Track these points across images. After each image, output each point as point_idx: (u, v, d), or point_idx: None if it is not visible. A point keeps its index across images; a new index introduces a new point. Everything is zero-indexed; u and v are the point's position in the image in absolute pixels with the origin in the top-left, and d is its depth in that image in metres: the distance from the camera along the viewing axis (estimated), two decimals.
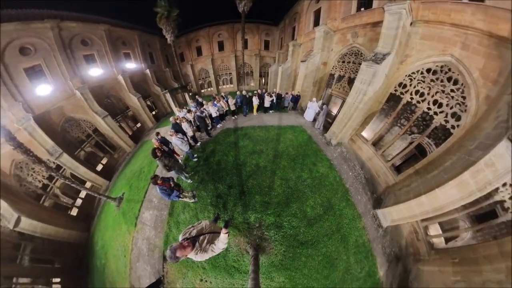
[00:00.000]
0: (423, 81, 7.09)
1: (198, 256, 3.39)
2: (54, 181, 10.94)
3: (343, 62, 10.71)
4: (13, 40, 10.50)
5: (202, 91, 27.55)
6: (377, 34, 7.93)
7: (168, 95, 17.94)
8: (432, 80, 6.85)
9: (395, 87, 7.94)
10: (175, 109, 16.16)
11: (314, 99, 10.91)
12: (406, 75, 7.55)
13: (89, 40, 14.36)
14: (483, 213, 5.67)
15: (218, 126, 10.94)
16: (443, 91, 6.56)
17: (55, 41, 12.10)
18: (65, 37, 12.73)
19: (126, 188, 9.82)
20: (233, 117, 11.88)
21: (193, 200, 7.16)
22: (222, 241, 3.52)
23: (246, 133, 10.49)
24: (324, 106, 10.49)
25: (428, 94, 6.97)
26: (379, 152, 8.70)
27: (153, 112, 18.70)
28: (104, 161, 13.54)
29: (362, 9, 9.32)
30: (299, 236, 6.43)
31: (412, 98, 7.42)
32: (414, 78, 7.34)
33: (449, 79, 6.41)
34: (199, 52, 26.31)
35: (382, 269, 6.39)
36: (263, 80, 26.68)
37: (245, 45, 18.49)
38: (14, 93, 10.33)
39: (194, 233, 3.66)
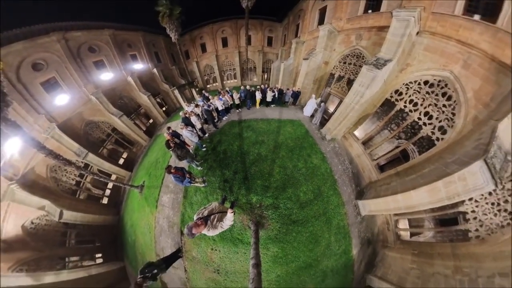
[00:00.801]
0: (419, 92, 6.54)
1: (210, 232, 3.67)
2: (84, 177, 11.15)
3: (344, 63, 9.66)
4: (25, 58, 9.86)
5: (208, 86, 25.55)
6: (381, 39, 7.05)
7: (176, 92, 17.00)
8: (427, 92, 6.31)
9: (391, 93, 7.36)
10: (184, 104, 15.53)
11: (313, 96, 10.25)
12: (403, 84, 6.93)
13: (96, 46, 13.34)
14: (446, 219, 5.80)
15: (224, 118, 10.59)
16: (435, 105, 6.10)
17: (64, 53, 11.35)
18: (72, 47, 11.88)
19: (146, 177, 9.95)
20: (238, 110, 11.37)
21: (203, 185, 7.33)
22: (229, 219, 3.76)
23: (249, 125, 10.16)
24: (322, 104, 9.91)
25: (421, 105, 6.51)
26: (367, 151, 8.53)
27: (163, 108, 17.82)
28: (124, 155, 13.56)
29: (370, 11, 7.94)
30: (292, 216, 6.72)
31: (405, 106, 6.95)
32: (411, 88, 6.75)
33: (443, 94, 5.91)
34: (203, 49, 23.97)
35: (356, 249, 6.86)
36: (266, 76, 24.42)
37: (248, 41, 16.32)
38: (36, 107, 10.02)
39: (206, 213, 3.91)
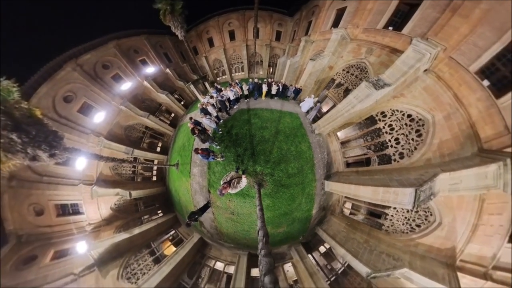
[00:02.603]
0: (399, 120, 5.69)
1: (232, 191, 4.42)
2: (136, 167, 11.12)
3: (347, 72, 7.58)
4: (55, 96, 8.35)
5: (218, 79, 19.95)
6: (390, 61, 5.35)
7: (191, 87, 13.92)
8: (406, 124, 5.52)
9: (377, 112, 6.37)
10: (200, 97, 13.22)
11: (312, 95, 8.65)
12: (391, 108, 5.90)
13: (107, 62, 10.69)
14: (374, 213, 6.50)
15: (235, 107, 9.51)
16: (406, 136, 5.49)
17: (84, 78, 9.38)
18: (88, 70, 9.69)
19: (178, 157, 9.92)
20: (246, 100, 9.95)
21: (222, 159, 7.60)
22: (244, 182, 4.52)
23: (256, 113, 9.29)
24: (318, 104, 8.57)
25: (396, 131, 5.82)
26: (342, 149, 8.28)
27: (182, 102, 15.23)
28: (159, 144, 12.98)
29: (391, 28, 5.45)
30: (281, 181, 7.34)
31: (384, 127, 6.22)
32: (395, 114, 5.82)
33: (417, 131, 5.22)
34: (211, 43, 17.47)
35: (315, 210, 7.91)
36: (271, 70, 18.64)
37: (256, 34, 10.92)
38: (82, 130, 9.14)
39: (228, 179, 4.53)
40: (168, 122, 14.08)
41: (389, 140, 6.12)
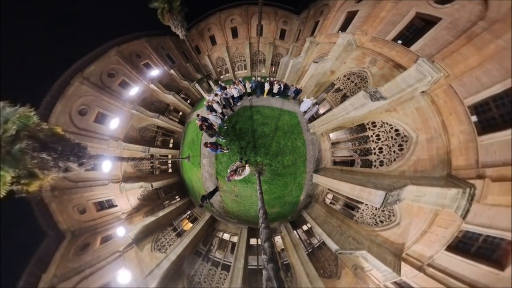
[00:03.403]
0: (387, 133, 5.52)
1: (238, 178, 4.91)
2: (154, 162, 11.01)
3: (348, 79, 6.77)
4: (70, 112, 8.13)
5: (221, 77, 17.21)
6: (391, 76, 4.79)
7: (196, 85, 12.50)
8: (391, 137, 5.38)
9: (368, 122, 6.08)
10: (205, 95, 12.10)
11: (312, 97, 7.94)
12: (381, 120, 5.62)
13: (112, 71, 9.83)
14: (349, 205, 6.95)
15: (238, 104, 8.94)
16: (389, 147, 5.44)
17: (93, 89, 8.86)
18: (95, 81, 9.06)
19: (189, 151, 9.85)
20: (249, 98, 9.22)
21: (227, 151, 7.73)
22: (247, 170, 4.99)
23: (258, 110, 8.85)
24: (316, 106, 8.01)
25: (382, 142, 5.71)
26: (332, 149, 8.20)
27: (188, 101, 13.88)
28: (171, 141, 12.51)
29: (400, 41, 4.48)
30: (278, 171, 7.60)
31: (371, 136, 6.05)
32: (384, 126, 5.60)
33: (399, 145, 5.15)
34: (213, 41, 14.55)
35: (303, 196, 8.33)
36: (273, 69, 16.04)
37: (260, 32, 8.65)
38: (101, 137, 9.02)
39: (234, 168, 4.98)
40: (177, 120, 13.59)
41: (374, 148, 6.07)
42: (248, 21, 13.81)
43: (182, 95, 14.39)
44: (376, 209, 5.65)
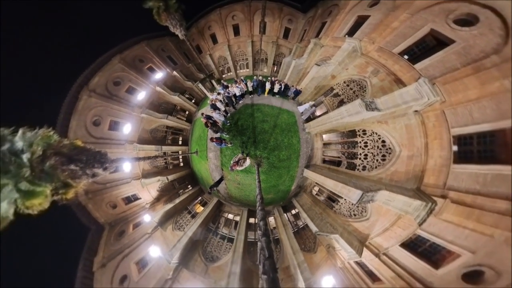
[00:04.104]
0: (374, 142, 5.44)
1: (240, 168, 5.27)
2: (167, 159, 10.82)
3: (347, 86, 6.05)
4: (85, 123, 8.02)
5: (224, 76, 14.63)
6: (389, 89, 4.37)
7: (199, 85, 11.31)
8: (378, 147, 5.33)
9: (360, 129, 5.89)
10: (208, 94, 11.06)
11: (311, 102, 7.38)
12: (372, 130, 5.44)
13: (117, 79, 9.11)
14: (331, 198, 7.31)
15: (240, 102, 8.43)
16: (374, 156, 5.46)
17: (101, 100, 8.46)
18: (102, 92, 8.54)
19: (197, 146, 9.76)
20: (250, 96, 8.58)
21: (230, 145, 7.80)
22: (247, 162, 5.37)
23: (259, 108, 8.48)
24: (313, 107, 7.56)
25: (368, 149, 5.69)
26: (323, 149, 8.11)
27: (193, 101, 12.69)
28: (180, 138, 11.97)
29: (406, 56, 3.74)
30: (274, 164, 7.90)
31: (360, 142, 5.99)
32: (373, 135, 5.47)
33: (383, 155, 5.14)
34: (214, 40, 12.18)
35: (294, 186, 8.68)
36: (275, 69, 13.48)
37: (263, 29, 7.29)
38: (118, 142, 9.01)
39: (236, 159, 5.33)
40: (185, 119, 13.00)
41: (360, 154, 6.09)
42: (251, 18, 11.42)
43: (187, 95, 13.45)
44: (352, 204, 6.12)
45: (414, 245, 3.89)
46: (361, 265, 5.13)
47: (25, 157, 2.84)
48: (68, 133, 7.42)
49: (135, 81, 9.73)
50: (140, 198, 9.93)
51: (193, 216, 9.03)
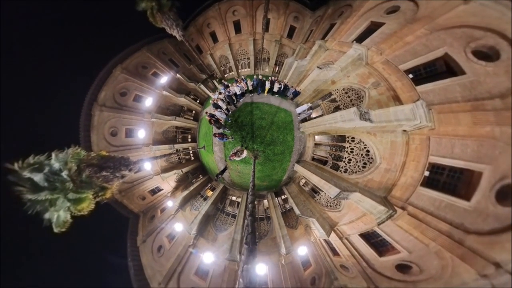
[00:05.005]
0: (360, 150, 5.33)
1: (237, 158, 5.91)
2: (179, 154, 10.66)
3: (346, 93, 5.30)
4: (104, 137, 7.94)
5: (225, 75, 11.84)
6: (386, 104, 3.98)
7: (202, 86, 10.10)
8: (362, 154, 5.25)
9: (349, 136, 5.66)
10: (210, 94, 9.97)
11: (309, 104, 6.71)
12: (360, 139, 5.22)
13: (123, 89, 8.37)
14: (314, 190, 7.68)
15: (241, 100, 7.83)
16: (356, 162, 5.44)
17: (113, 112, 8.11)
18: (111, 104, 8.01)
19: (204, 142, 9.65)
20: (250, 95, 7.82)
21: (232, 139, 8.01)
22: (244, 153, 5.96)
23: (258, 106, 8.01)
24: (310, 110, 6.96)
25: (354, 155, 5.62)
26: (314, 148, 7.96)
27: (197, 101, 11.39)
28: (189, 136, 11.32)
29: (411, 75, 3.06)
30: (269, 157, 8.02)
31: (347, 148, 5.87)
32: (360, 144, 5.29)
33: (364, 163, 5.14)
34: (214, 38, 9.20)
35: (285, 176, 8.95)
36: (277, 69, 10.82)
37: (266, 27, 5.18)
38: (136, 147, 9.02)
39: (235, 151, 5.84)
40: (192, 118, 12.33)
41: (345, 158, 6.08)
42: (253, 14, 8.94)
43: (192, 96, 12.37)
44: (330, 198, 6.50)
45: (369, 237, 4.52)
46: (327, 242, 6.14)
47: (65, 174, 3.13)
48: (92, 147, 7.76)
49: (140, 89, 9.05)
50: (162, 189, 10.86)
51: (205, 199, 10.05)
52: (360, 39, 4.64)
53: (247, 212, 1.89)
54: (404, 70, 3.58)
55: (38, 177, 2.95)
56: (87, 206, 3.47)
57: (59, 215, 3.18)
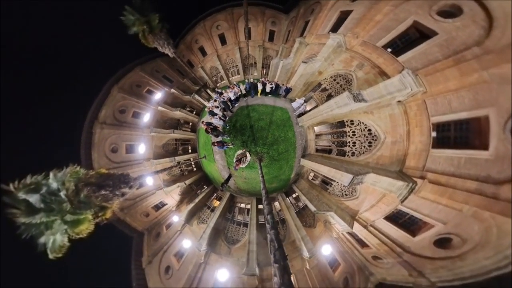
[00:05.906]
0: (361, 131, 5.35)
1: (242, 165, 5.57)
2: (181, 166, 10.84)
3: (334, 80, 5.65)
4: (105, 153, 8.24)
5: (218, 84, 13.42)
6: (374, 82, 4.16)
7: (196, 96, 10.96)
8: (364, 135, 5.26)
9: (348, 120, 5.72)
10: (205, 103, 10.67)
11: (303, 98, 7.01)
12: (359, 120, 5.29)
13: (122, 107, 9.10)
14: (325, 181, 7.46)
15: (236, 105, 8.14)
16: (361, 143, 5.42)
17: (113, 129, 8.61)
18: (111, 122, 8.64)
19: (204, 151, 9.76)
20: (245, 98, 8.19)
21: (232, 146, 7.96)
22: (248, 157, 5.61)
23: (254, 108, 8.24)
24: (304, 104, 7.21)
25: (356, 137, 5.62)
26: (316, 140, 7.99)
27: (194, 112, 12.23)
28: (189, 147, 11.78)
29: (389, 49, 3.41)
30: (274, 157, 7.95)
31: (348, 132, 5.87)
32: (359, 125, 5.33)
33: (369, 142, 5.10)
34: (203, 52, 11.10)
35: (293, 174, 8.73)
36: (265, 71, 12.33)
37: (248, 35, 6.29)
38: (136, 162, 9.13)
39: (239, 157, 5.60)
40: (189, 130, 12.76)
41: (349, 142, 6.06)
42: (235, 25, 10.43)
43: (188, 108, 13.03)
44: (344, 186, 6.32)
45: (395, 218, 4.16)
46: (352, 235, 5.60)
47: (62, 194, 3.02)
48: (93, 165, 7.86)
49: (137, 106, 9.65)
50: (166, 204, 10.55)
51: (212, 210, 9.56)
52: (334, 29, 5.13)
53: (268, 225, 1.67)
54: (382, 46, 3.94)
55: (34, 198, 2.82)
56: (86, 228, 3.27)
57: (55, 239, 2.94)
